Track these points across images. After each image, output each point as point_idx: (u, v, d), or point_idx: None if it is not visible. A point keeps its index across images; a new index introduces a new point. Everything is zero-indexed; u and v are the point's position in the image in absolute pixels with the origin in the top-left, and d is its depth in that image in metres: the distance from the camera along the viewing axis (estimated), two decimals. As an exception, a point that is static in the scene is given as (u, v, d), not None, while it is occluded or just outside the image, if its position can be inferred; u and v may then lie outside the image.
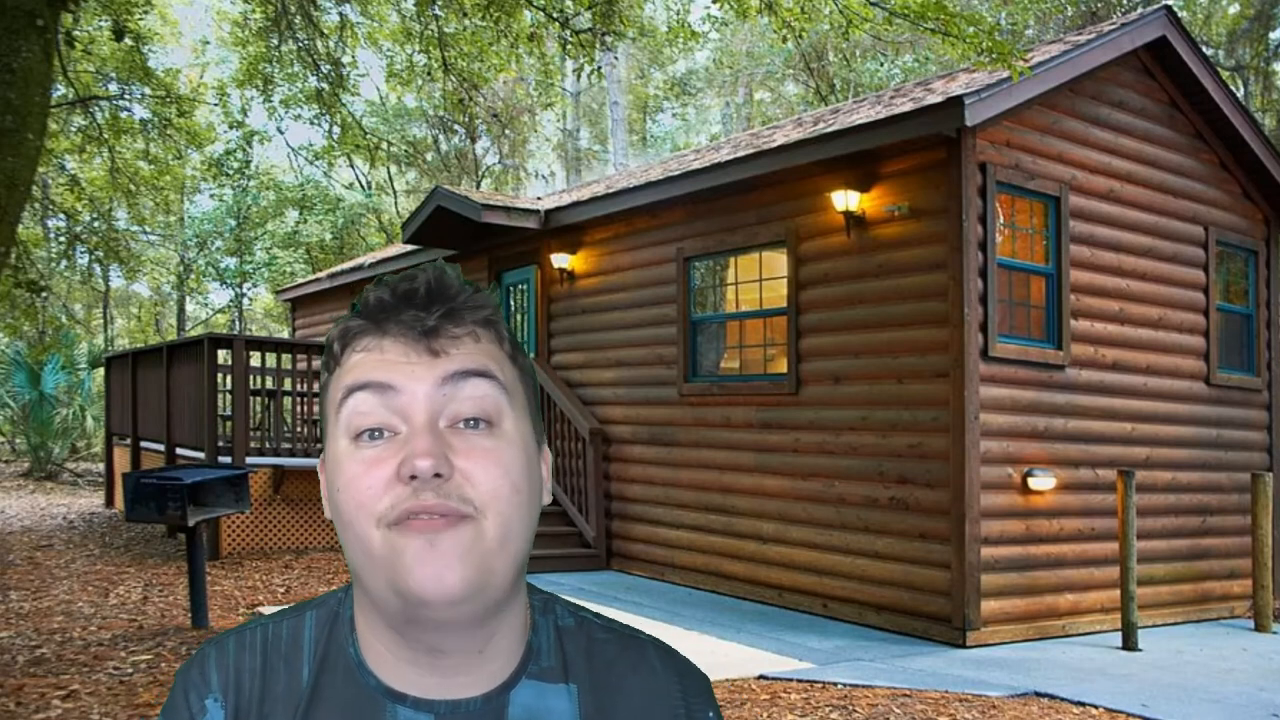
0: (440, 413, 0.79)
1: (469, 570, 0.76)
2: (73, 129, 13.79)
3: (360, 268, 14.22)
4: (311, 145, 29.15)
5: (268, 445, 9.88)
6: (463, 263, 11.20)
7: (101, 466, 17.81)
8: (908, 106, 7.06)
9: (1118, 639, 6.79)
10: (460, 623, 0.79)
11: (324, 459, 0.86)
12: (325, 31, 10.63)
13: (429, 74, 10.63)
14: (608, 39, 8.46)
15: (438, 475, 0.76)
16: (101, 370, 17.22)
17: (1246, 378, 8.65)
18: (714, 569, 8.37)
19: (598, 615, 0.93)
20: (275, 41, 10.73)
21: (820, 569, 7.46)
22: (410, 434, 0.78)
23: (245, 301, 28.21)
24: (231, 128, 23.24)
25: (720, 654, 6.04)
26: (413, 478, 0.76)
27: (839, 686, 5.31)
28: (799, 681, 5.39)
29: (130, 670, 5.21)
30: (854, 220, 7.23)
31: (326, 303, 15.43)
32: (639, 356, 9.17)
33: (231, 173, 24.07)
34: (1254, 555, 7.68)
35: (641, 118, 30.34)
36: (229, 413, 10.11)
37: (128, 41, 11.32)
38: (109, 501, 13.51)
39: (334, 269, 16.60)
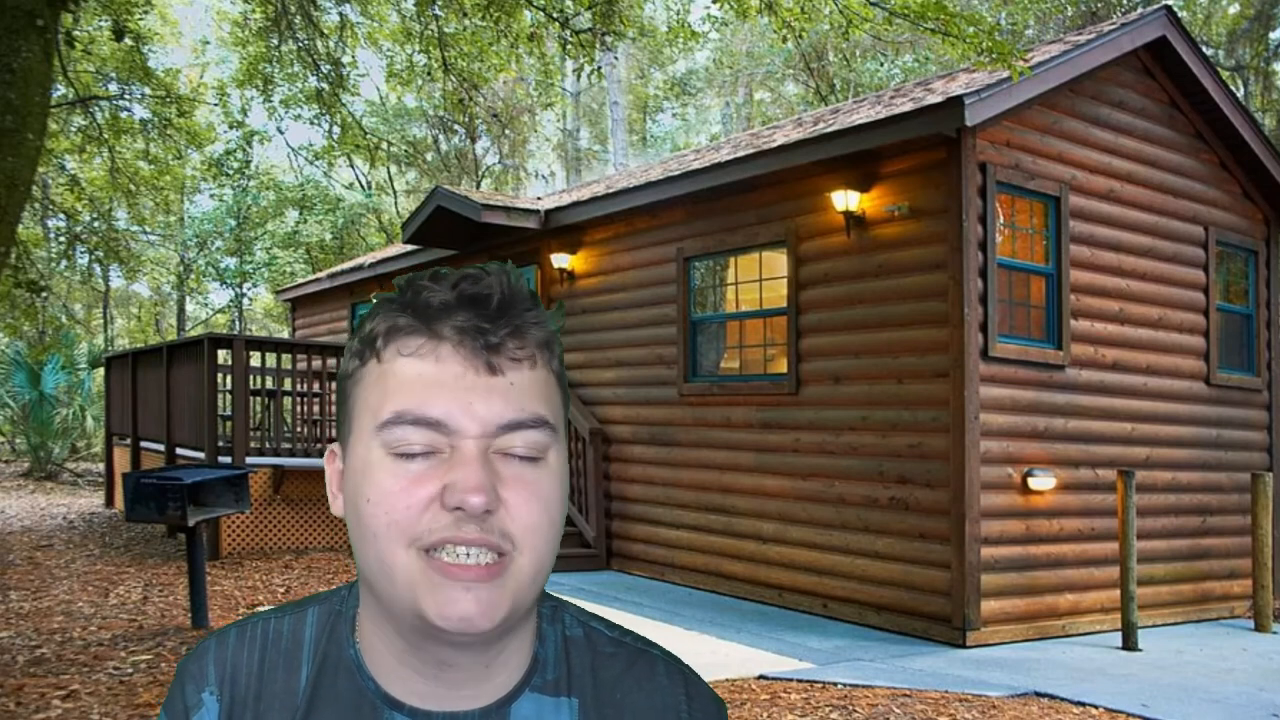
0: (491, 444, 0.77)
1: (500, 612, 0.76)
2: (73, 129, 13.79)
3: (360, 268, 14.21)
4: (311, 145, 29.18)
5: (268, 445, 9.88)
6: (462, 263, 11.18)
7: (101, 466, 17.81)
8: (908, 106, 7.06)
9: (1118, 639, 6.79)
10: (478, 646, 0.79)
11: (339, 453, 0.83)
12: (325, 31, 10.63)
13: (429, 74, 10.63)
14: (608, 39, 8.46)
15: (487, 511, 0.74)
16: (101, 370, 17.22)
17: (1246, 378, 8.65)
18: (714, 569, 8.37)
19: (609, 626, 0.91)
20: (275, 41, 10.73)
21: (820, 569, 7.46)
22: (458, 460, 0.75)
23: (245, 301, 28.22)
24: (231, 128, 23.27)
25: (720, 654, 6.04)
26: (457, 508, 0.74)
27: (839, 686, 5.31)
28: (799, 681, 5.39)
29: (130, 670, 5.21)
30: (854, 220, 7.24)
31: (326, 303, 15.43)
32: (639, 356, 9.17)
33: (231, 173, 24.08)
34: (1254, 555, 7.69)
35: (641, 118, 30.34)
36: (229, 413, 10.10)
37: (128, 41, 11.32)
38: (109, 501, 13.50)
39: (334, 269, 16.59)
